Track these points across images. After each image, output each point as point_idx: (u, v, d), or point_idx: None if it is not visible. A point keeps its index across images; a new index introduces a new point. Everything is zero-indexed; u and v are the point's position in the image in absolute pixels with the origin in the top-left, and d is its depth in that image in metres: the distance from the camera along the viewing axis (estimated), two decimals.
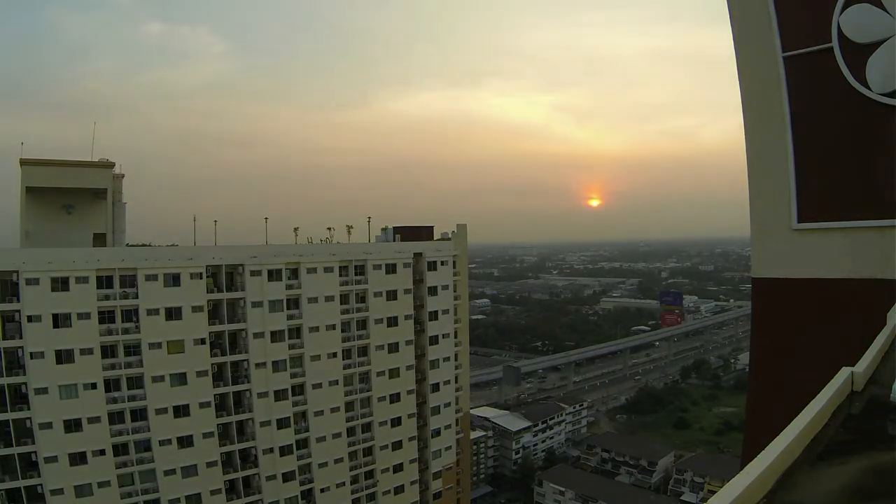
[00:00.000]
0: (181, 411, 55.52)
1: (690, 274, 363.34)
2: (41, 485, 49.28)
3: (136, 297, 54.13)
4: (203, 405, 56.85)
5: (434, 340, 73.65)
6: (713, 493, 5.47)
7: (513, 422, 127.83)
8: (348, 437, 66.53)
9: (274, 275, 61.30)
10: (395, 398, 69.81)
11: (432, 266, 73.30)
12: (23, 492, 48.87)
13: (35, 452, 49.52)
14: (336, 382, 65.23)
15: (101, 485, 51.61)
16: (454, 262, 76.13)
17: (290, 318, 62.25)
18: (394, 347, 69.59)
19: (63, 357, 50.37)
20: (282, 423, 61.53)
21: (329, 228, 74.73)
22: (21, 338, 49.25)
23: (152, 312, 54.50)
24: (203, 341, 57.01)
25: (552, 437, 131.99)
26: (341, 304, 65.93)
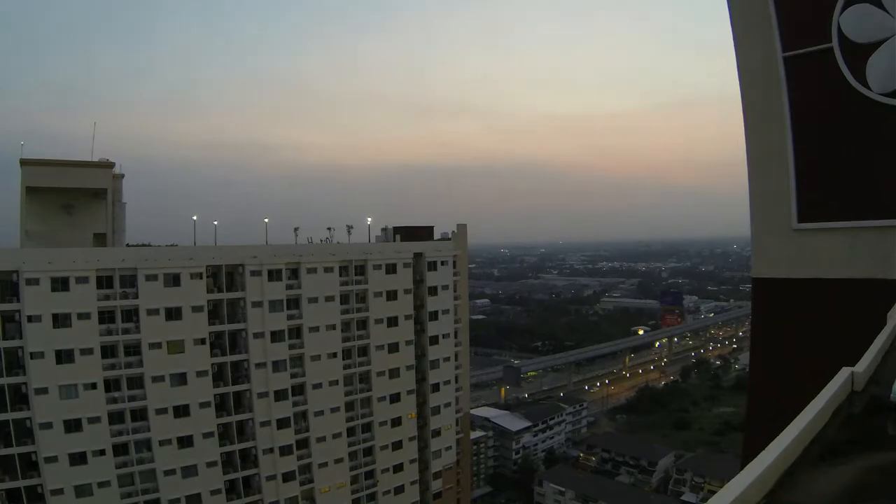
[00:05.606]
0: (181, 411, 55.47)
1: (690, 274, 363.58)
2: (41, 485, 49.28)
3: (136, 297, 54.08)
4: (203, 405, 56.80)
5: (434, 340, 73.60)
6: (713, 493, 5.46)
7: (513, 422, 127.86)
8: (348, 437, 66.49)
9: (274, 275, 61.26)
10: (395, 398, 69.77)
11: (432, 266, 73.25)
12: (23, 492, 48.84)
13: (35, 452, 49.49)
14: (336, 382, 65.20)
15: (101, 485, 51.58)
16: (454, 263, 76.08)
17: (290, 318, 62.21)
18: (394, 347, 69.55)
19: (63, 357, 50.32)
20: (282, 423, 61.47)
21: (329, 228, 74.70)
22: (21, 338, 49.21)
23: (152, 312, 54.44)
24: (203, 341, 56.96)
25: (552, 437, 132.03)
26: (341, 304, 65.89)
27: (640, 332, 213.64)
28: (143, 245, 63.24)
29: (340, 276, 66.17)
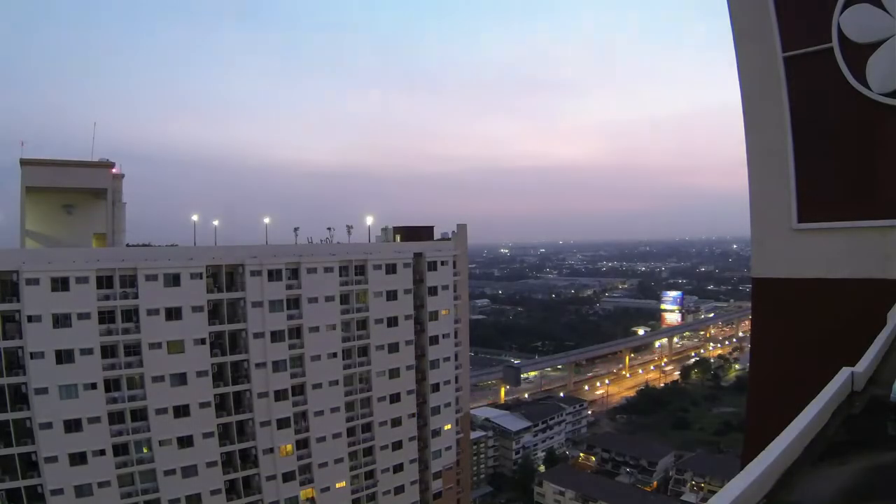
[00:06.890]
0: (181, 411, 55.44)
1: (690, 274, 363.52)
2: (41, 485, 49.27)
3: (136, 297, 54.05)
4: (203, 405, 56.78)
5: (434, 340, 73.56)
6: (713, 493, 5.47)
7: (513, 422, 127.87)
8: (348, 437, 66.46)
9: (274, 275, 61.22)
10: (395, 398, 69.74)
11: (432, 266, 73.21)
12: (23, 492, 48.84)
13: (35, 452, 49.49)
14: (336, 382, 65.17)
15: (101, 485, 51.57)
16: (454, 262, 76.06)
17: (290, 318, 62.17)
18: (394, 347, 69.51)
19: (63, 357, 50.30)
20: (282, 423, 61.48)
21: (329, 228, 74.62)
22: (21, 338, 49.20)
23: (152, 312, 54.42)
24: (203, 341, 56.95)
25: (552, 437, 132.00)
26: (341, 304, 65.87)
27: (640, 332, 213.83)
28: (144, 245, 63.24)
29: (340, 276, 66.13)
